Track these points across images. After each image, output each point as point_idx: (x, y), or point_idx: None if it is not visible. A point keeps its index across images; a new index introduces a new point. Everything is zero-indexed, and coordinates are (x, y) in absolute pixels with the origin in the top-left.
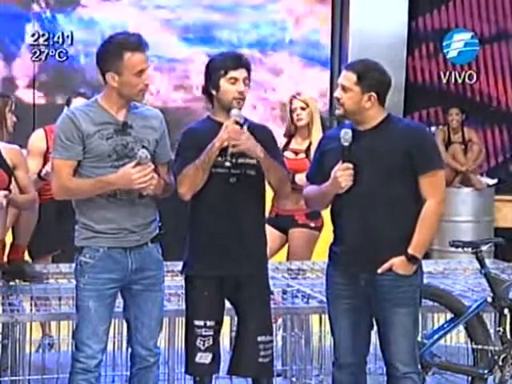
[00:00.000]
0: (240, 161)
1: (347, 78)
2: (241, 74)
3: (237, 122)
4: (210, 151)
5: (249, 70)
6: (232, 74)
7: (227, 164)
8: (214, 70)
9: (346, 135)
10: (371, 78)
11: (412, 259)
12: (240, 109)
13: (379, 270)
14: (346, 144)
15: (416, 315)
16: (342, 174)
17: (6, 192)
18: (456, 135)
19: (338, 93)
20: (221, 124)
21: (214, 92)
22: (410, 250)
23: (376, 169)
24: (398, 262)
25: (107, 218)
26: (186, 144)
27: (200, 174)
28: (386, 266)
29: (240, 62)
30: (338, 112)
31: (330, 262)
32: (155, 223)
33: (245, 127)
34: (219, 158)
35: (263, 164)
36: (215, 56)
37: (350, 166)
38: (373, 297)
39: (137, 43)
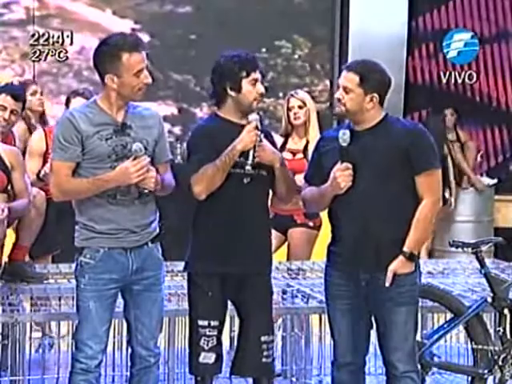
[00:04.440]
0: (255, 160)
1: (349, 79)
2: (258, 74)
3: (256, 127)
4: (231, 153)
5: (261, 70)
6: (253, 75)
7: (248, 168)
8: (235, 71)
9: (344, 136)
10: (373, 79)
11: (410, 257)
12: (256, 110)
13: (387, 284)
14: (345, 144)
15: (416, 314)
16: (341, 175)
17: (5, 204)
18: (450, 134)
19: (339, 94)
20: (233, 123)
21: (232, 93)
22: (406, 249)
23: (374, 168)
24: (397, 265)
25: (108, 218)
26: (200, 142)
27: (220, 174)
28: (389, 275)
29: (257, 64)
30: (338, 110)
31: (329, 263)
32: (155, 223)
33: (262, 135)
34: (238, 159)
35: (278, 173)
36: (228, 57)
37: (349, 166)
38: (373, 296)
39: (134, 43)
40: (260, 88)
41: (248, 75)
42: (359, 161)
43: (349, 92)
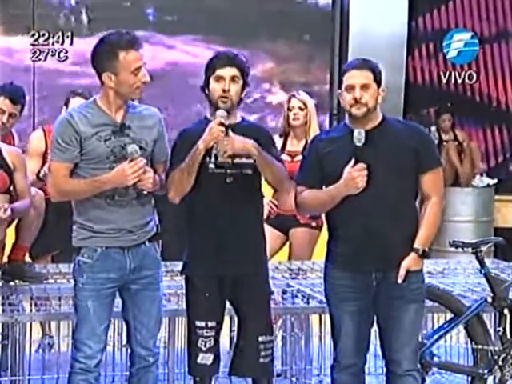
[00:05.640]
0: (236, 160)
1: (365, 76)
2: (228, 72)
3: (222, 124)
4: (194, 154)
5: (241, 69)
6: (218, 72)
7: (211, 166)
8: (206, 70)
9: (359, 135)
10: (380, 73)
11: (421, 254)
12: (231, 107)
13: (399, 280)
14: (359, 144)
15: (423, 312)
16: (360, 175)
17: (7, 205)
18: (447, 135)
19: (357, 93)
20: None
21: (207, 91)
22: (419, 246)
23: (387, 168)
24: (410, 262)
25: (106, 218)
26: (179, 146)
27: (185, 177)
28: (402, 272)
29: (228, 61)
30: (359, 112)
31: (332, 264)
32: (152, 223)
33: (230, 131)
34: (207, 159)
35: (257, 161)
36: (212, 56)
37: (365, 166)
38: (383, 294)
39: (130, 41)
40: (224, 85)
41: (213, 72)
42: (373, 160)
43: (368, 88)
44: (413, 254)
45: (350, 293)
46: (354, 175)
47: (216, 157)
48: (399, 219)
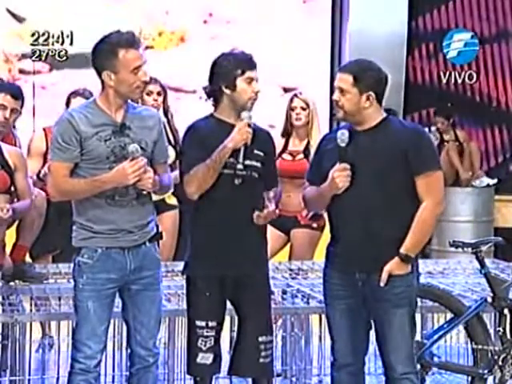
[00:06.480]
0: (246, 162)
1: (343, 80)
2: (255, 74)
3: (249, 125)
4: (222, 152)
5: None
6: (249, 74)
7: (239, 166)
8: (230, 70)
9: (342, 136)
10: (367, 77)
11: (406, 259)
12: (250, 109)
13: (381, 284)
14: (343, 145)
15: (412, 315)
16: (340, 175)
17: (8, 205)
18: (448, 135)
19: (336, 96)
20: (226, 123)
21: (227, 91)
22: (403, 250)
23: (372, 169)
24: (392, 266)
25: (106, 219)
26: (190, 142)
27: (211, 174)
28: (384, 276)
29: (254, 63)
30: (338, 115)
31: (328, 263)
32: (152, 223)
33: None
34: (230, 159)
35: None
36: (226, 55)
37: (347, 166)
38: (370, 297)
39: (130, 40)
40: (256, 87)
41: (243, 73)
42: (357, 161)
43: (345, 93)
44: (396, 259)
45: (340, 291)
46: (334, 175)
47: (244, 157)
48: (386, 221)
